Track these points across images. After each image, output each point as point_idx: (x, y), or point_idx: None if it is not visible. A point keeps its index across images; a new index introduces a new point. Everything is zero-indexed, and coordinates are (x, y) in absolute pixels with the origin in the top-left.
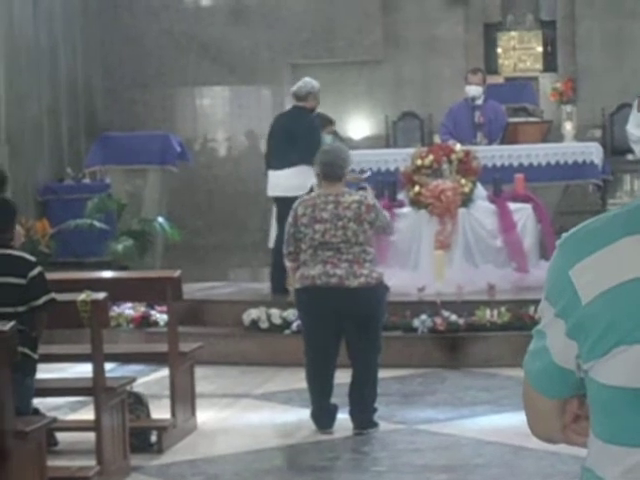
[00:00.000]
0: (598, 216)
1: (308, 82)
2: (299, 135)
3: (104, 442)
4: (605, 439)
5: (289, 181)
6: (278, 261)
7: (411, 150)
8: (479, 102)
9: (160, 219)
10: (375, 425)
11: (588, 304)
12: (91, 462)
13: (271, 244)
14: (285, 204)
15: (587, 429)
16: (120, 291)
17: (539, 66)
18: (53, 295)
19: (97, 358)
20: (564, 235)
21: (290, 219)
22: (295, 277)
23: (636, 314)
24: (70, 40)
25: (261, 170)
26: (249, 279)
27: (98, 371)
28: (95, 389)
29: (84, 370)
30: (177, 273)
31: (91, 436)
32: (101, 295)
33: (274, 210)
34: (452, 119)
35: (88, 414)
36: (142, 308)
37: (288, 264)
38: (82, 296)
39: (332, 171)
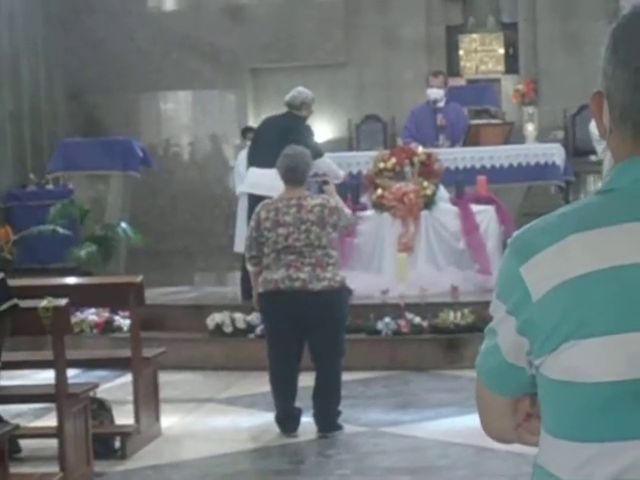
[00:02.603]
0: (548, 214)
1: (302, 92)
2: (292, 139)
3: (67, 448)
4: (556, 435)
5: (274, 181)
6: None
7: (374, 153)
8: (441, 104)
9: (123, 224)
10: (339, 428)
11: (538, 301)
12: (54, 469)
13: (236, 248)
14: None
15: (539, 428)
16: (83, 297)
17: (501, 68)
18: (16, 301)
19: (59, 364)
20: (514, 234)
21: (253, 223)
22: (258, 281)
23: (585, 309)
24: (32, 46)
25: (224, 174)
26: (214, 283)
27: (60, 378)
28: (57, 395)
29: (48, 377)
30: (139, 278)
31: (54, 443)
32: (63, 301)
33: (243, 209)
34: (414, 122)
35: (51, 421)
36: (106, 314)
37: (251, 268)
38: (44, 302)
39: (295, 176)
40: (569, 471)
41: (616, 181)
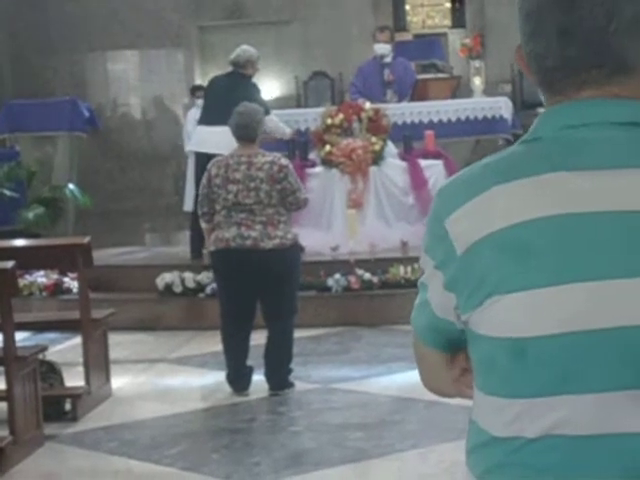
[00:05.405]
0: (472, 165)
1: (247, 50)
2: (238, 97)
3: (17, 412)
4: (485, 391)
5: (220, 138)
6: (197, 224)
7: (321, 109)
8: (388, 60)
9: (71, 185)
10: (291, 385)
11: (462, 254)
12: (4, 432)
13: (186, 207)
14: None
15: None
16: (30, 259)
17: (447, 22)
18: None
19: (7, 328)
20: (439, 186)
21: (204, 180)
22: (210, 239)
23: (509, 263)
24: None
25: (173, 133)
26: (163, 243)
27: (8, 341)
28: (6, 359)
29: None
30: (86, 239)
31: (3, 406)
32: (9, 264)
33: (192, 168)
34: (361, 78)
35: (1, 384)
36: (55, 276)
37: (203, 225)
38: None
39: (246, 133)
40: (499, 427)
41: (540, 130)
